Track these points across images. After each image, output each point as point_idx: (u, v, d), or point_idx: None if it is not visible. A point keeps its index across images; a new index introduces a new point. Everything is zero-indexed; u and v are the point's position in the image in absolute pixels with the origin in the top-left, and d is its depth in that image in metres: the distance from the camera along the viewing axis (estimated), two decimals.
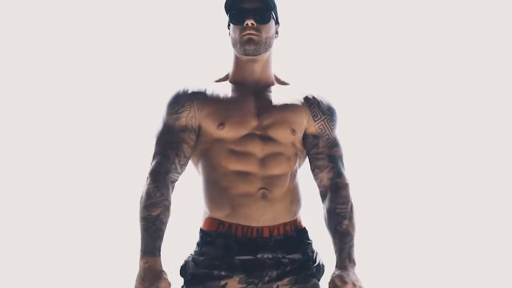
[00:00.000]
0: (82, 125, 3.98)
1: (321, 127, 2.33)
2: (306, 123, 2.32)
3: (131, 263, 2.17)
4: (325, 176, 2.30)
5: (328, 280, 2.10)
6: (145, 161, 2.27)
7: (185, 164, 2.26)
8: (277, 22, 2.34)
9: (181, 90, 2.30)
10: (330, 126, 2.34)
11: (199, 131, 2.27)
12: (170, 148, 2.23)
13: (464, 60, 4.09)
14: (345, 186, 2.27)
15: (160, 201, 2.15)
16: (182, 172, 2.26)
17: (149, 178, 2.19)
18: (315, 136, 2.32)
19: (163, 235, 2.13)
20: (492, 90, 4.12)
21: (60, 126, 3.97)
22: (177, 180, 2.25)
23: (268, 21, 2.26)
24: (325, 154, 2.31)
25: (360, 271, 2.14)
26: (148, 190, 2.16)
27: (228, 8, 2.29)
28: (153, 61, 3.89)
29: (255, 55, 2.27)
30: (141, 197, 2.16)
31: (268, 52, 2.31)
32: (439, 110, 4.07)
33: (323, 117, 2.34)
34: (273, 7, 2.29)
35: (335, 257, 2.16)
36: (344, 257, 2.13)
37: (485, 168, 4.11)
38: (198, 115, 2.26)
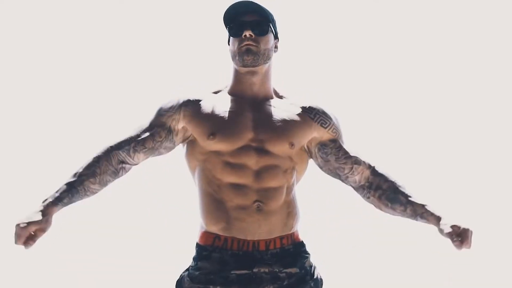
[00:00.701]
0: (80, 124, 3.97)
1: (334, 130, 2.36)
2: (314, 133, 2.33)
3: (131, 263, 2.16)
4: (364, 167, 2.34)
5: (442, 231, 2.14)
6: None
7: (140, 152, 2.25)
8: (276, 37, 2.35)
9: (175, 98, 2.33)
10: (339, 129, 2.38)
11: (187, 139, 2.29)
12: (136, 132, 2.27)
13: (464, 60, 4.06)
14: (381, 167, 2.35)
15: (91, 165, 2.19)
16: (134, 158, 2.25)
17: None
18: (334, 140, 2.35)
19: (74, 193, 2.14)
20: (492, 91, 4.10)
21: (59, 125, 3.97)
22: (126, 162, 2.24)
23: (266, 33, 2.27)
24: (351, 151, 2.36)
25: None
26: (92, 155, 2.21)
27: (227, 22, 2.30)
28: (154, 67, 3.87)
29: (254, 66, 2.27)
30: None
31: (267, 65, 2.31)
32: (440, 113, 4.05)
33: (331, 122, 2.36)
34: (271, 21, 2.30)
35: (425, 217, 2.21)
36: (436, 210, 2.20)
37: (485, 168, 4.10)
38: (183, 122, 2.28)
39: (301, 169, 2.34)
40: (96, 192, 2.20)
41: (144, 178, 3.84)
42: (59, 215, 2.10)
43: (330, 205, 3.76)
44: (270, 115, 2.30)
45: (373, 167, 2.33)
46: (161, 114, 2.29)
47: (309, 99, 2.41)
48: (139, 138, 2.26)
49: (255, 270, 2.18)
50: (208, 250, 2.21)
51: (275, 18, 2.34)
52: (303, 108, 2.35)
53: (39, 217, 2.04)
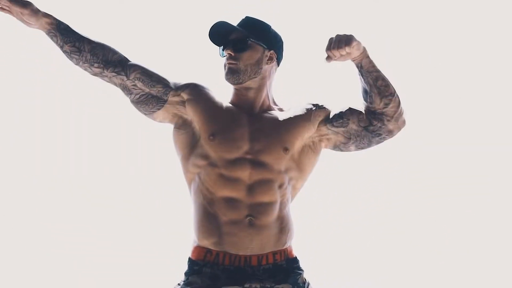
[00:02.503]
0: (77, 126, 3.96)
1: (328, 106, 2.37)
2: (318, 118, 2.33)
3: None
4: (359, 107, 2.32)
5: None
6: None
7: (137, 71, 2.29)
8: (271, 48, 2.34)
9: (195, 81, 2.36)
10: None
11: (179, 116, 2.32)
12: (143, 66, 2.32)
13: (467, 63, 4.03)
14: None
15: (100, 41, 2.28)
16: (130, 69, 2.28)
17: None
18: (331, 111, 2.35)
19: (70, 31, 2.25)
20: (493, 94, 4.07)
21: (55, 126, 3.96)
22: (122, 65, 2.28)
23: (245, 49, 2.28)
24: (353, 108, 2.33)
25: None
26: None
27: (216, 44, 2.33)
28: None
29: (238, 84, 2.30)
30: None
31: (257, 79, 2.32)
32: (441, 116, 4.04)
33: (323, 103, 2.37)
34: (256, 35, 2.30)
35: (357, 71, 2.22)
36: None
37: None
38: (186, 94, 2.31)
39: (298, 184, 2.34)
40: (80, 52, 2.25)
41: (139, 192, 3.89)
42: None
43: (324, 219, 3.76)
44: (266, 125, 2.30)
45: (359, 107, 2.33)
46: (175, 80, 2.35)
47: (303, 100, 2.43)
48: (150, 68, 2.32)
49: (246, 285, 2.18)
50: (200, 265, 2.21)
51: (267, 28, 2.34)
52: (300, 105, 2.37)
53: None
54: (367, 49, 2.17)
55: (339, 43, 2.08)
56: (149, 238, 3.80)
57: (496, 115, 4.13)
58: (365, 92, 2.25)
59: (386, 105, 2.23)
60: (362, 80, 2.23)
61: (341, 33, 2.11)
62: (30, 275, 3.81)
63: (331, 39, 2.11)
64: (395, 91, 2.22)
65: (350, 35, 2.10)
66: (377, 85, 2.21)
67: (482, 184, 4.09)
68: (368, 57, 2.17)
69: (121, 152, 3.95)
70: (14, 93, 3.95)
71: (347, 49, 2.09)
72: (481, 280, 3.90)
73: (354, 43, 2.09)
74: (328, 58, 2.13)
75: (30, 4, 2.19)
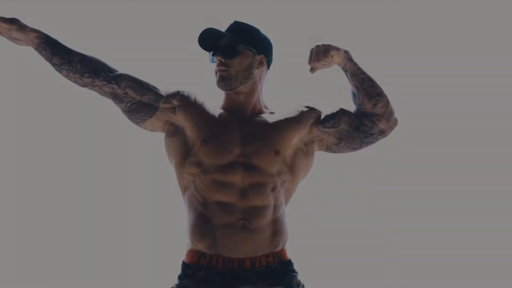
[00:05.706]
0: (74, 128, 3.97)
1: (319, 108, 2.38)
2: (310, 120, 2.34)
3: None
4: (351, 107, 2.34)
5: None
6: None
7: (128, 80, 2.31)
8: (261, 52, 2.35)
9: (185, 88, 2.37)
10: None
11: (171, 122, 2.33)
12: (132, 77, 2.33)
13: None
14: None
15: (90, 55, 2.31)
16: (121, 77, 2.31)
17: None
18: (322, 112, 2.37)
19: (60, 44, 2.29)
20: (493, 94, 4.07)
21: (53, 131, 3.97)
22: (110, 74, 2.30)
23: (235, 55, 2.29)
24: (344, 108, 2.36)
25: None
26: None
27: (206, 49, 2.34)
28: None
29: (230, 90, 2.32)
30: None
31: (248, 83, 2.33)
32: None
33: (315, 106, 2.39)
34: (245, 40, 2.31)
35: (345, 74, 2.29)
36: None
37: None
38: (176, 101, 2.32)
39: (291, 187, 2.34)
40: (70, 63, 2.28)
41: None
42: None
43: (319, 222, 3.77)
44: (257, 129, 2.32)
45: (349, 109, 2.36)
46: (164, 88, 2.36)
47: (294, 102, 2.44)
48: (140, 78, 2.34)
49: None
50: (193, 268, 2.22)
51: (256, 32, 2.35)
52: (291, 108, 2.38)
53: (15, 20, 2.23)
54: (349, 52, 2.24)
55: (318, 55, 2.18)
56: (142, 241, 3.81)
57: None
58: (354, 94, 2.31)
59: (375, 105, 2.27)
60: (350, 82, 2.29)
61: (320, 43, 2.20)
62: (20, 275, 3.82)
63: (311, 51, 2.20)
64: (382, 91, 2.28)
65: (328, 45, 2.19)
66: (363, 87, 2.26)
67: (480, 185, 4.08)
68: (352, 60, 2.25)
69: (115, 156, 3.95)
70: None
71: (327, 59, 2.18)
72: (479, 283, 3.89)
73: (332, 52, 2.18)
74: (312, 69, 2.23)
75: (16, 20, 2.24)
